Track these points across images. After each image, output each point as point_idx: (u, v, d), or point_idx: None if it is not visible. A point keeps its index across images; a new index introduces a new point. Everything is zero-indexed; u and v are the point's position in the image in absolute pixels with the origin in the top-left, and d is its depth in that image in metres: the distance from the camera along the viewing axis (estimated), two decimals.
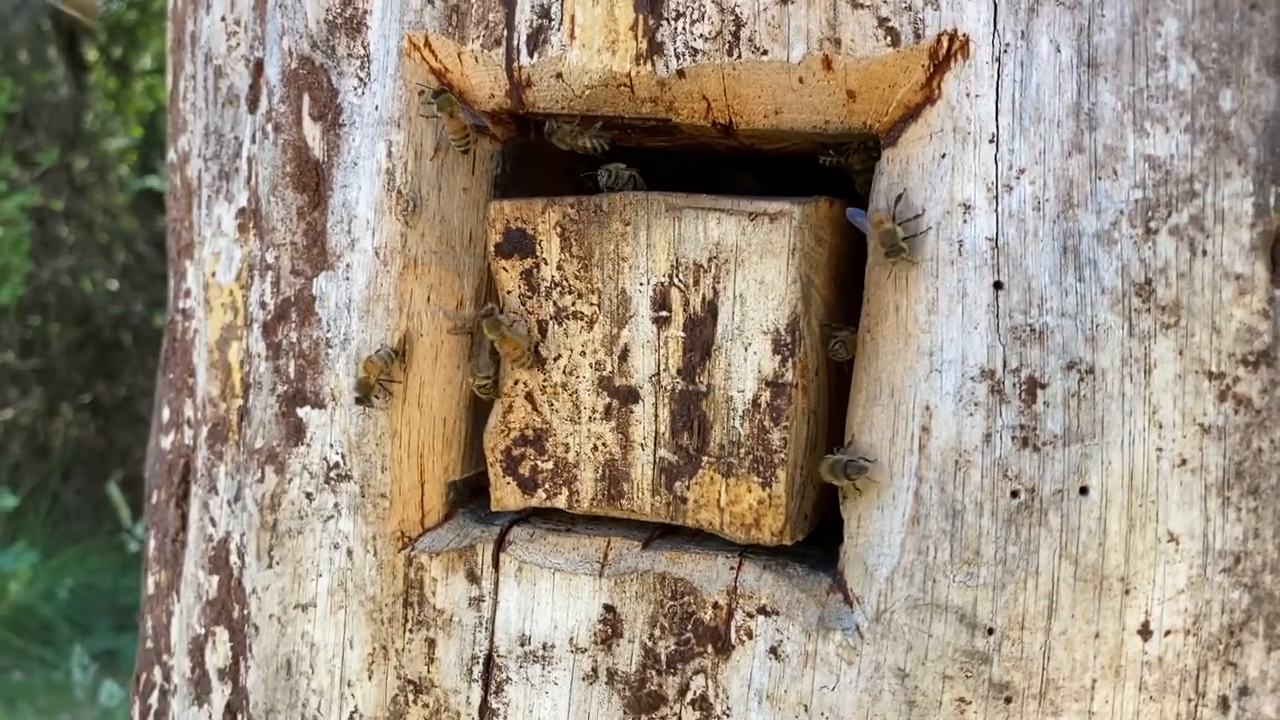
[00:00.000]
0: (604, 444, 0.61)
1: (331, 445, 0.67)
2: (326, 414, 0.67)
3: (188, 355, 0.80)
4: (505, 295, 0.62)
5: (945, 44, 0.54)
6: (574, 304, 0.60)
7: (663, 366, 0.59)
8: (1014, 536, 0.53)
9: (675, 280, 0.57)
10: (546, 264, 0.60)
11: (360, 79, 0.66)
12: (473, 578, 0.64)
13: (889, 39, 0.55)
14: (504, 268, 0.60)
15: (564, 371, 0.61)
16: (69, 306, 3.98)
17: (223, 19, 0.76)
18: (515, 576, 0.63)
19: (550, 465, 0.63)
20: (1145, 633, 0.53)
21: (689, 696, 0.60)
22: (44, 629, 3.19)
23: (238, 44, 0.75)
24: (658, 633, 0.60)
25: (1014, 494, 0.53)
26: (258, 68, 0.72)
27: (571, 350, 0.61)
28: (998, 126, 0.53)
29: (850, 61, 0.55)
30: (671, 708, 0.60)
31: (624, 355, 0.60)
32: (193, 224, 0.79)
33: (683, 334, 0.58)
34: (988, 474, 0.53)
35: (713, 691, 0.59)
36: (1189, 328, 0.52)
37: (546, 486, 0.63)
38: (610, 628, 0.61)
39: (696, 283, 0.57)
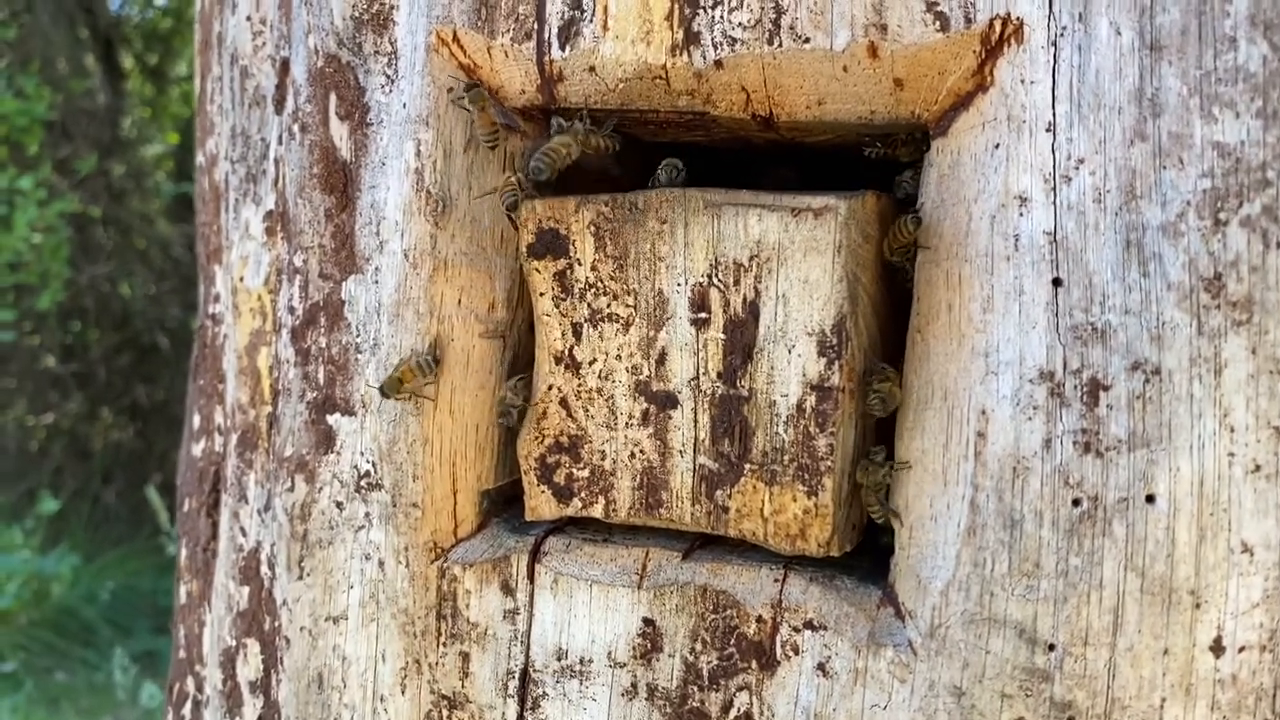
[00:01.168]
0: (641, 451, 0.59)
1: (362, 453, 0.65)
2: (357, 421, 0.65)
3: (217, 361, 0.79)
4: (538, 298, 0.59)
5: (998, 28, 0.51)
6: (609, 305, 0.57)
7: (702, 370, 0.56)
8: (1076, 547, 0.50)
9: (715, 280, 0.55)
10: (580, 264, 0.57)
11: (388, 76, 0.64)
12: (507, 590, 0.62)
13: (938, 24, 0.52)
14: (536, 269, 0.58)
15: (599, 376, 0.59)
16: (107, 311, 4.01)
17: (248, 18, 0.74)
18: (551, 589, 0.61)
19: (586, 473, 0.60)
20: (1218, 649, 0.50)
21: (733, 714, 0.57)
22: (86, 631, 3.21)
23: (264, 43, 0.73)
24: (699, 647, 0.58)
25: (1076, 502, 0.50)
26: (284, 67, 0.71)
27: (607, 354, 0.59)
28: (1054, 114, 0.50)
29: (897, 48, 0.53)
30: None
31: (661, 359, 0.57)
32: (221, 227, 0.78)
33: (723, 336, 0.56)
34: (1048, 481, 0.51)
35: (757, 709, 0.57)
36: (1262, 324, 0.48)
37: (582, 495, 0.61)
38: (650, 642, 0.59)
39: (737, 282, 0.54)
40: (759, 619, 0.57)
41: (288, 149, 0.69)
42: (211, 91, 0.80)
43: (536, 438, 0.62)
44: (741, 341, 0.55)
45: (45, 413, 3.96)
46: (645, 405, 0.58)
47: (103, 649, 3.10)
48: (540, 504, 0.62)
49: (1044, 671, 0.51)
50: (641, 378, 0.58)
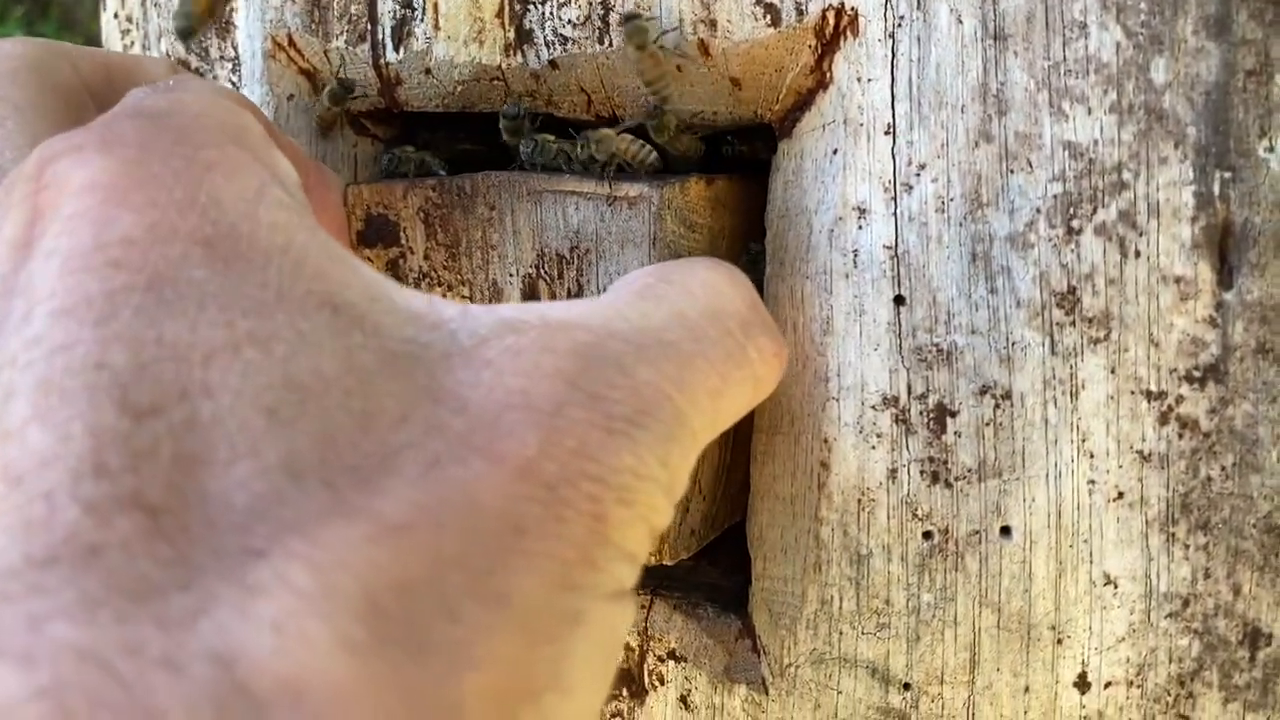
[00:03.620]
0: None
1: None
2: None
3: None
4: None
5: (831, 20, 0.46)
6: (444, 296, 0.53)
7: None
8: (928, 583, 0.47)
9: (542, 272, 0.51)
10: (413, 253, 0.53)
11: (233, 84, 0.61)
12: None
13: (769, 18, 0.47)
14: (369, 258, 0.54)
15: None
16: None
17: (115, 15, 0.71)
18: None
19: None
20: (1082, 685, 0.47)
21: None
22: None
23: (132, 42, 0.70)
24: None
25: (926, 535, 0.47)
26: None
27: None
28: (894, 115, 0.46)
29: (729, 45, 0.48)
30: None
31: None
32: None
33: None
34: (894, 514, 0.47)
35: None
36: (1122, 341, 0.44)
37: None
38: None
39: (560, 275, 0.50)
40: (627, 647, 0.55)
41: None
42: None
43: None
44: None
45: None
46: None
47: None
48: None
49: (900, 711, 0.48)
50: None
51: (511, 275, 0.52)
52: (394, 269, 0.55)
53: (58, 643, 0.20)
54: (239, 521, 0.23)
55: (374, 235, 0.55)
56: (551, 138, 0.53)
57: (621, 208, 0.49)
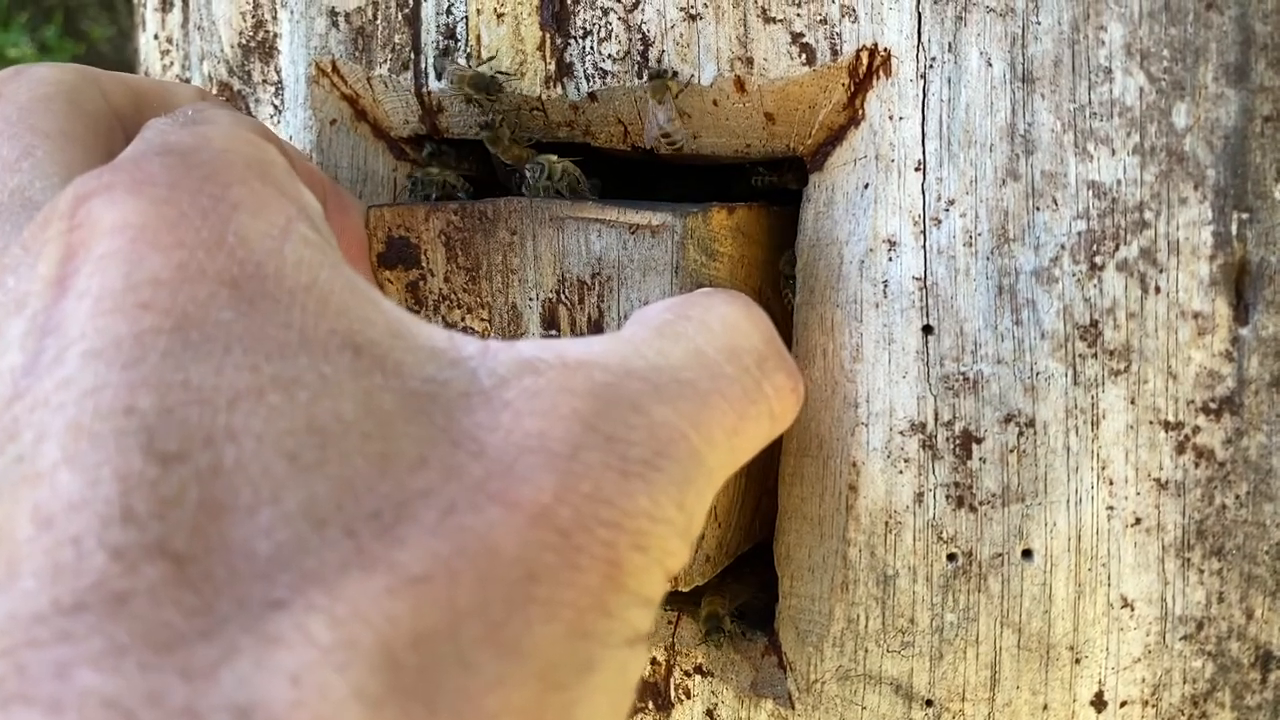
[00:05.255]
0: None
1: None
2: None
3: None
4: None
5: (865, 60, 0.48)
6: (463, 319, 0.55)
7: None
8: (951, 603, 0.49)
9: (562, 297, 0.52)
10: (433, 275, 0.55)
11: (275, 107, 0.63)
12: None
13: (804, 57, 0.49)
14: (389, 279, 0.55)
15: None
16: None
17: (155, 37, 0.73)
18: None
19: None
20: (1099, 704, 0.48)
21: None
22: None
23: (171, 63, 0.72)
24: None
25: (950, 558, 0.49)
26: None
27: None
28: (924, 152, 0.48)
29: (764, 82, 0.50)
30: None
31: None
32: None
33: None
34: (920, 536, 0.49)
35: None
36: (1141, 374, 0.46)
37: None
38: None
39: (581, 301, 0.51)
40: (654, 661, 0.56)
41: None
42: None
43: None
44: None
45: None
46: None
47: None
48: None
49: None
50: None
51: (532, 300, 0.53)
52: (414, 291, 0.56)
53: (84, 691, 0.20)
54: (261, 570, 0.23)
55: (394, 257, 0.56)
56: (554, 157, 0.54)
57: (644, 236, 0.50)
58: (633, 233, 0.50)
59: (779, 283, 0.54)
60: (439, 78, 0.57)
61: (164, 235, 0.27)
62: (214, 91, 0.66)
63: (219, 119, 0.35)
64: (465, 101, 0.57)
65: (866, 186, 0.49)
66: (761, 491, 0.56)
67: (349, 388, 0.26)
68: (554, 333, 0.53)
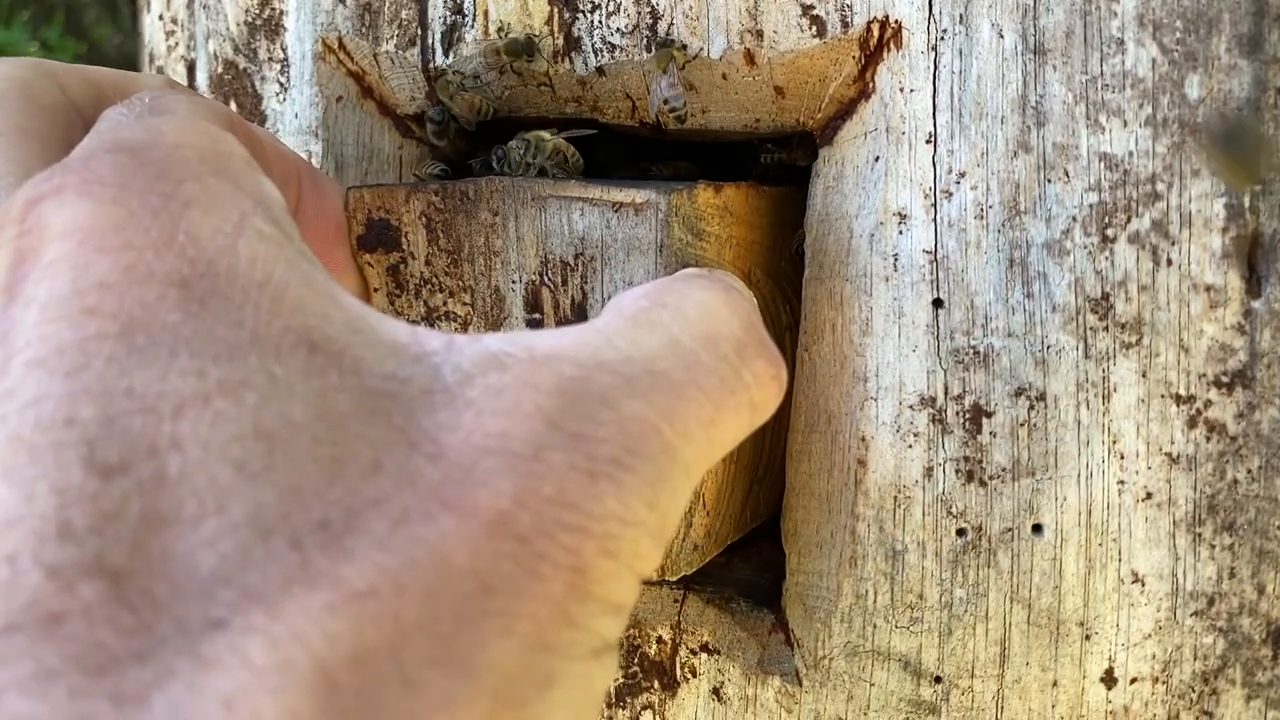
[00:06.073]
0: None
1: None
2: None
3: None
4: (373, 294, 0.55)
5: (875, 32, 0.48)
6: (445, 303, 0.54)
7: None
8: (960, 579, 0.49)
9: (545, 279, 0.51)
10: (414, 259, 0.53)
11: (281, 84, 0.63)
12: None
13: (814, 29, 0.49)
14: (369, 263, 0.54)
15: None
16: None
17: (160, 17, 0.73)
18: None
19: None
20: (1109, 680, 0.48)
21: None
22: None
23: (176, 44, 0.72)
24: None
25: (959, 533, 0.48)
26: (190, 70, 0.69)
27: None
28: (935, 124, 0.48)
29: (774, 55, 0.50)
30: None
31: None
32: None
33: None
34: (930, 511, 0.49)
35: None
36: (1153, 347, 0.46)
37: None
38: None
39: (565, 282, 0.50)
40: (659, 639, 0.56)
41: None
42: None
43: None
44: None
45: None
46: None
47: None
48: None
49: (930, 704, 0.50)
50: None
51: (515, 282, 0.52)
52: (394, 275, 0.55)
53: (10, 718, 0.19)
54: (203, 586, 0.22)
55: (374, 240, 0.55)
56: (546, 134, 0.53)
57: (628, 214, 0.49)
58: (616, 211, 0.49)
59: (771, 265, 0.54)
60: (445, 54, 0.57)
61: (112, 237, 0.26)
62: (219, 70, 0.65)
63: (176, 108, 0.34)
64: (499, 73, 0.56)
65: (877, 159, 0.49)
66: (752, 479, 0.55)
67: (300, 389, 0.25)
68: (537, 316, 0.52)
